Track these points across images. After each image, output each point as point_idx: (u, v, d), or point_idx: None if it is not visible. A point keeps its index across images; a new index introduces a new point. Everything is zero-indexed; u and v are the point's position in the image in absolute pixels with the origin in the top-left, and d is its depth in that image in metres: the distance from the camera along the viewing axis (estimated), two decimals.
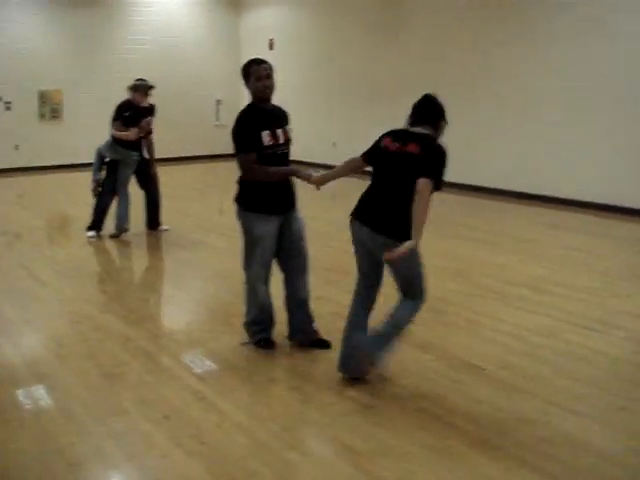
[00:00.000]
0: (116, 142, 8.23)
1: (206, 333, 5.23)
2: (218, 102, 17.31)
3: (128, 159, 8.27)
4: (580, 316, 5.52)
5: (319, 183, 4.53)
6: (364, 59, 13.95)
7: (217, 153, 17.19)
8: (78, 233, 8.55)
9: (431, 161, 3.91)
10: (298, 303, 4.81)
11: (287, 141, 4.68)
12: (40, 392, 4.17)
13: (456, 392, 4.14)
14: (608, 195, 10.03)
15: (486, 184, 11.67)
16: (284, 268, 4.81)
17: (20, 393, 4.17)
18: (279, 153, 4.60)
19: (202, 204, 11.29)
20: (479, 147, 11.74)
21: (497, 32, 11.32)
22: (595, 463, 3.38)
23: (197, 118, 16.98)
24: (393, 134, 4.15)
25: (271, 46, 16.58)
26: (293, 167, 4.70)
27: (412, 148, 3.96)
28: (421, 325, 4.78)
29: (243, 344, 4.86)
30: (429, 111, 4.14)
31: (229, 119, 18.54)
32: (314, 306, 4.87)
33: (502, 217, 9.97)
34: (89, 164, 8.75)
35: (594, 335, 5.13)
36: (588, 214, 9.93)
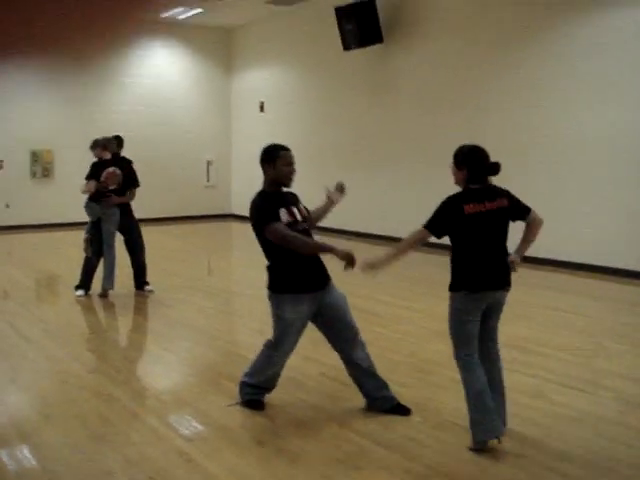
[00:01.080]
0: (90, 199, 8.32)
1: (194, 394, 5.21)
2: (209, 163, 17.49)
3: (103, 215, 8.29)
4: (566, 376, 5.54)
5: (371, 269, 4.30)
6: (355, 121, 14.17)
7: (207, 213, 17.34)
8: (67, 292, 8.56)
9: (519, 201, 4.41)
10: (365, 374, 4.71)
11: (305, 218, 4.69)
12: (24, 452, 4.14)
13: (443, 453, 4.13)
14: (592, 255, 10.11)
15: None
16: (337, 348, 4.72)
17: (3, 453, 4.14)
18: (300, 230, 4.57)
19: (191, 264, 11.33)
20: None
21: (486, 90, 11.55)
22: None
23: (188, 179, 17.14)
24: (471, 198, 4.16)
25: (262, 108, 16.81)
26: (332, 245, 4.55)
27: (503, 202, 4.26)
28: (408, 386, 4.79)
29: (229, 405, 4.84)
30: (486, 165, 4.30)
31: (219, 180, 18.81)
32: (303, 367, 4.86)
33: None
34: (79, 223, 8.81)
35: (581, 395, 5.15)
36: (571, 274, 10.01)
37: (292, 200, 4.76)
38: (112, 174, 8.22)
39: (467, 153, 4.26)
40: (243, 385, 4.83)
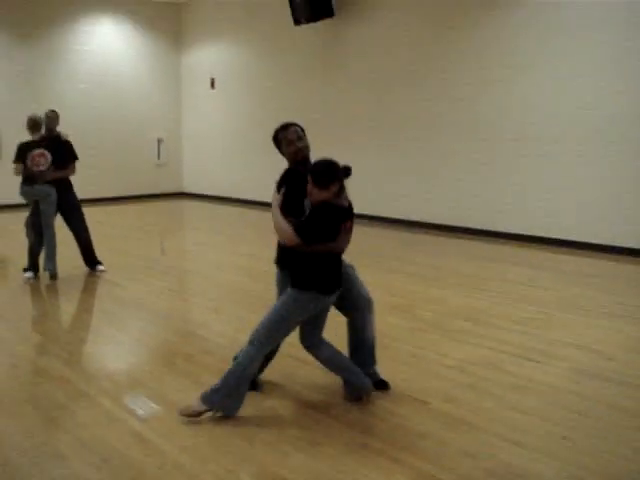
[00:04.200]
0: (24, 183, 8.12)
1: (147, 374, 5.14)
2: (159, 141, 17.25)
3: (39, 197, 8.07)
4: (521, 347, 5.59)
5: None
6: (305, 97, 14.07)
7: (159, 192, 17.13)
8: (15, 274, 8.38)
9: None
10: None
11: None
12: None
13: (400, 427, 4.13)
14: (546, 228, 10.22)
15: (423, 219, 11.80)
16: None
17: None
18: None
19: (144, 243, 11.18)
20: (415, 182, 11.87)
21: (441, 67, 11.52)
22: None
23: (138, 157, 16.89)
24: (347, 216, 4.27)
25: (212, 85, 16.62)
26: None
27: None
28: None
29: None
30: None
31: (170, 158, 18.54)
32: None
33: (440, 251, 10.08)
34: (26, 204, 8.61)
35: (535, 366, 5.19)
36: (525, 247, 10.11)
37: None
38: (32, 157, 7.96)
39: (333, 169, 4.15)
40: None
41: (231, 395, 4.21)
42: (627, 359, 5.37)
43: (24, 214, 8.63)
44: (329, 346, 4.47)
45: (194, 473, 3.58)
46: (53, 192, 8.12)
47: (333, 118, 13.35)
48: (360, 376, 4.48)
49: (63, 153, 8.28)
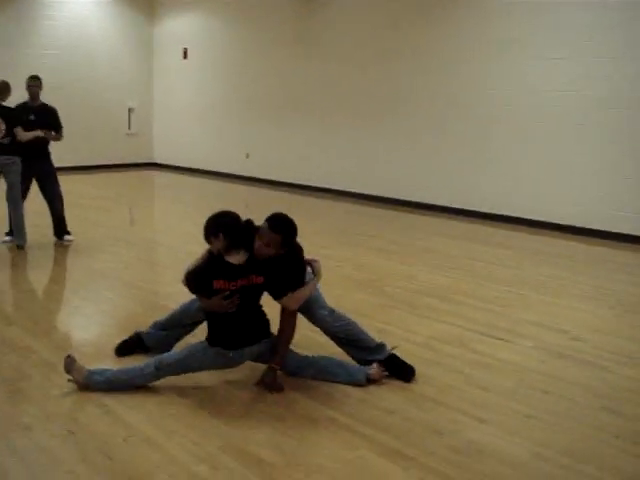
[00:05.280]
0: None
1: (114, 345, 5.09)
2: (130, 110, 17.05)
3: (2, 167, 7.82)
4: (487, 325, 5.64)
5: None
6: (278, 69, 13.98)
7: (129, 162, 16.96)
8: None
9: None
10: None
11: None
12: None
13: (367, 403, 4.16)
14: (513, 207, 10.29)
15: (392, 195, 11.81)
16: None
17: None
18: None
19: (113, 214, 11.09)
20: (386, 158, 11.87)
21: (417, 41, 11.50)
22: (503, 470, 3.44)
23: (108, 126, 16.68)
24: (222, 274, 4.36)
25: (185, 55, 16.45)
26: None
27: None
28: None
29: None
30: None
31: (141, 127, 18.24)
32: None
33: (409, 228, 10.13)
34: None
35: (501, 344, 5.24)
36: (493, 226, 10.18)
37: None
38: None
39: (213, 224, 4.27)
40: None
41: (105, 387, 4.20)
42: (593, 339, 5.45)
43: None
44: (308, 359, 4.47)
45: (160, 445, 3.58)
46: (17, 161, 7.84)
47: (306, 90, 13.27)
48: (351, 375, 4.41)
49: (49, 121, 8.22)
